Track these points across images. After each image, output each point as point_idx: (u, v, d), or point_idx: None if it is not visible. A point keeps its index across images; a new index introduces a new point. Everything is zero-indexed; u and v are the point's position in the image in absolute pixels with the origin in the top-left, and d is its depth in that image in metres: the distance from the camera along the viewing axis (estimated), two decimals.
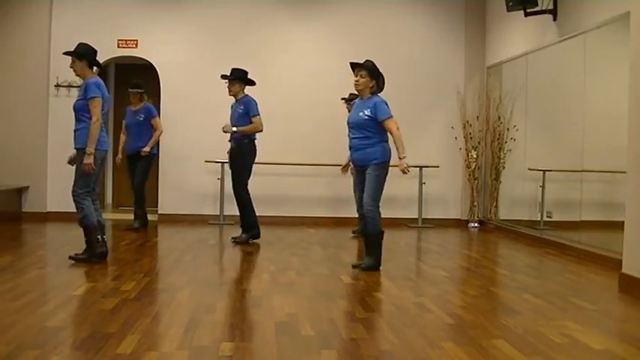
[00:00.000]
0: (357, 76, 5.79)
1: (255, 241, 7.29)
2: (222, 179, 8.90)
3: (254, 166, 8.66)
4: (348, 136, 5.93)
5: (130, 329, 3.63)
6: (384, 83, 5.83)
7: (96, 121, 5.60)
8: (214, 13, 9.50)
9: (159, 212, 9.35)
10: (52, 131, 8.97)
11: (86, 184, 5.70)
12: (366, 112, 5.72)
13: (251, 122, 7.11)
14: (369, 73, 5.75)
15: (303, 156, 9.31)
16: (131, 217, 8.49)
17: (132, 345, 3.34)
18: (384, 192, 5.83)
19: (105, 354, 3.20)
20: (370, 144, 5.73)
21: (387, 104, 5.75)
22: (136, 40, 9.37)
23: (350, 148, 5.92)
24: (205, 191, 9.36)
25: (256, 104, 7.19)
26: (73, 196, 5.71)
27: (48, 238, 7.94)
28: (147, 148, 8.15)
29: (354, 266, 5.87)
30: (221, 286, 5.23)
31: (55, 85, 9.15)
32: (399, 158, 5.70)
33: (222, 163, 8.62)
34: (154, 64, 9.40)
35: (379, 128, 5.72)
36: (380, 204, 5.73)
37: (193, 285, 5.06)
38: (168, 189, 9.36)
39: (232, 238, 7.35)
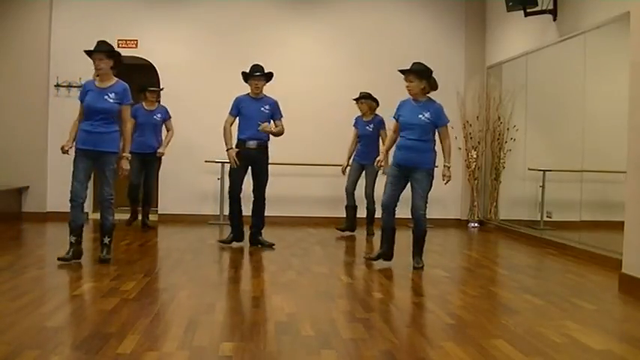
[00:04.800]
0: (407, 82, 5.85)
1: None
2: (222, 179, 8.88)
3: None
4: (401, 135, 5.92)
5: (130, 329, 3.63)
6: (435, 83, 5.86)
7: (132, 127, 5.85)
8: (214, 13, 9.49)
9: (159, 212, 9.35)
10: (52, 131, 8.96)
11: (112, 188, 5.75)
12: (427, 116, 5.76)
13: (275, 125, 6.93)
14: (417, 75, 5.81)
15: (304, 156, 9.30)
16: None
17: (132, 345, 3.34)
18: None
19: (105, 354, 3.20)
20: (426, 148, 5.82)
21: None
22: (136, 40, 9.36)
23: (400, 147, 5.91)
24: (205, 191, 9.36)
25: None
26: (109, 200, 5.71)
27: (48, 238, 7.94)
28: (162, 149, 8.25)
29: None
30: (221, 286, 5.23)
31: (55, 85, 9.15)
32: (445, 166, 5.86)
33: (222, 163, 8.60)
34: (154, 64, 9.39)
35: (433, 134, 5.84)
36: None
37: (193, 285, 5.06)
38: (168, 189, 9.36)
39: (260, 244, 7.02)
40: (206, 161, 8.96)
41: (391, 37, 9.57)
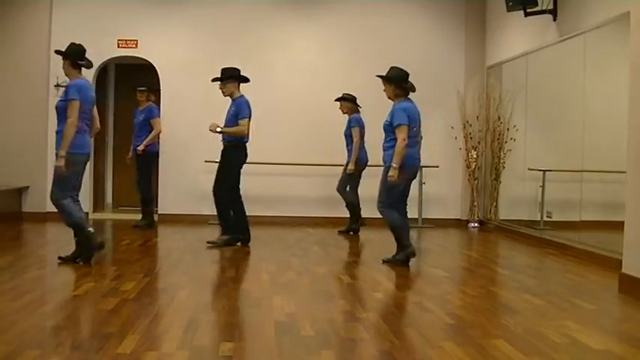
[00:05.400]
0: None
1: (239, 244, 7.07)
2: None
3: (254, 166, 8.71)
4: None
5: (130, 329, 3.63)
6: (400, 86, 5.99)
7: (70, 124, 5.51)
8: (214, 13, 9.49)
9: (159, 212, 9.35)
10: (52, 131, 8.75)
11: (63, 188, 5.62)
12: (387, 118, 6.01)
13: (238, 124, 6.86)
14: (386, 80, 6.06)
15: (303, 156, 9.30)
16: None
17: (132, 345, 3.34)
18: None
19: (105, 354, 3.20)
20: (388, 147, 5.98)
21: (404, 111, 5.91)
22: (136, 40, 9.36)
23: None
24: (205, 191, 9.29)
25: (247, 106, 6.90)
26: (53, 201, 5.65)
27: (48, 238, 7.94)
28: (140, 147, 8.25)
29: (384, 261, 6.07)
30: (221, 286, 5.23)
31: (55, 85, 9.13)
32: (391, 166, 5.89)
33: None
34: (154, 64, 9.39)
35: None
36: (392, 204, 6.00)
37: (193, 285, 5.06)
38: (168, 189, 9.36)
39: (208, 241, 7.08)
40: (206, 161, 8.95)
41: (391, 37, 9.57)
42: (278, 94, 9.45)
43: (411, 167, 6.02)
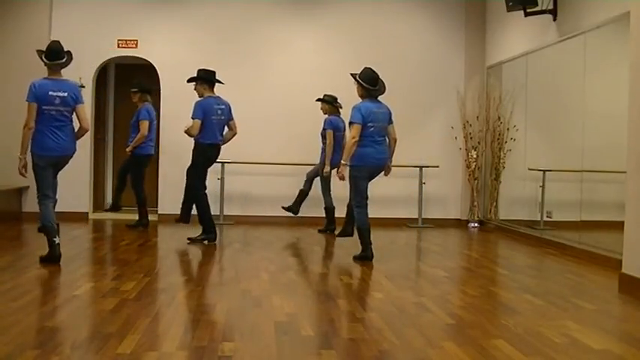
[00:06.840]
0: None
1: (210, 243, 7.15)
2: (222, 179, 8.89)
3: (255, 166, 8.72)
4: None
5: (130, 329, 3.63)
6: (362, 86, 6.10)
7: (24, 126, 5.59)
8: (214, 13, 9.49)
9: (159, 212, 9.35)
10: None
11: (39, 187, 5.71)
12: None
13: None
14: (354, 79, 6.18)
15: (303, 156, 9.29)
16: (132, 216, 8.52)
17: (132, 345, 3.34)
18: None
19: (105, 354, 3.20)
20: None
21: (360, 110, 6.03)
22: (136, 40, 9.36)
23: None
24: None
25: (202, 108, 6.90)
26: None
27: None
28: (127, 148, 8.21)
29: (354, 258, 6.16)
30: (221, 286, 5.23)
31: None
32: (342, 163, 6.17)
33: (222, 163, 8.62)
34: (153, 64, 9.39)
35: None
36: (361, 202, 6.15)
37: (193, 285, 5.06)
38: (168, 189, 9.35)
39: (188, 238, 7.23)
40: None
41: (391, 37, 9.57)
42: (279, 93, 9.45)
43: (369, 165, 6.10)
